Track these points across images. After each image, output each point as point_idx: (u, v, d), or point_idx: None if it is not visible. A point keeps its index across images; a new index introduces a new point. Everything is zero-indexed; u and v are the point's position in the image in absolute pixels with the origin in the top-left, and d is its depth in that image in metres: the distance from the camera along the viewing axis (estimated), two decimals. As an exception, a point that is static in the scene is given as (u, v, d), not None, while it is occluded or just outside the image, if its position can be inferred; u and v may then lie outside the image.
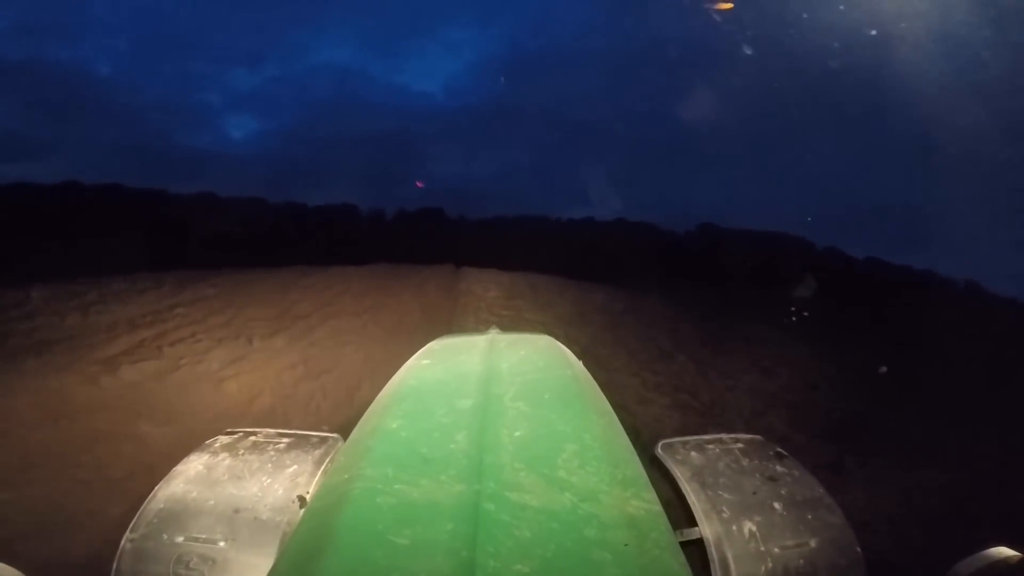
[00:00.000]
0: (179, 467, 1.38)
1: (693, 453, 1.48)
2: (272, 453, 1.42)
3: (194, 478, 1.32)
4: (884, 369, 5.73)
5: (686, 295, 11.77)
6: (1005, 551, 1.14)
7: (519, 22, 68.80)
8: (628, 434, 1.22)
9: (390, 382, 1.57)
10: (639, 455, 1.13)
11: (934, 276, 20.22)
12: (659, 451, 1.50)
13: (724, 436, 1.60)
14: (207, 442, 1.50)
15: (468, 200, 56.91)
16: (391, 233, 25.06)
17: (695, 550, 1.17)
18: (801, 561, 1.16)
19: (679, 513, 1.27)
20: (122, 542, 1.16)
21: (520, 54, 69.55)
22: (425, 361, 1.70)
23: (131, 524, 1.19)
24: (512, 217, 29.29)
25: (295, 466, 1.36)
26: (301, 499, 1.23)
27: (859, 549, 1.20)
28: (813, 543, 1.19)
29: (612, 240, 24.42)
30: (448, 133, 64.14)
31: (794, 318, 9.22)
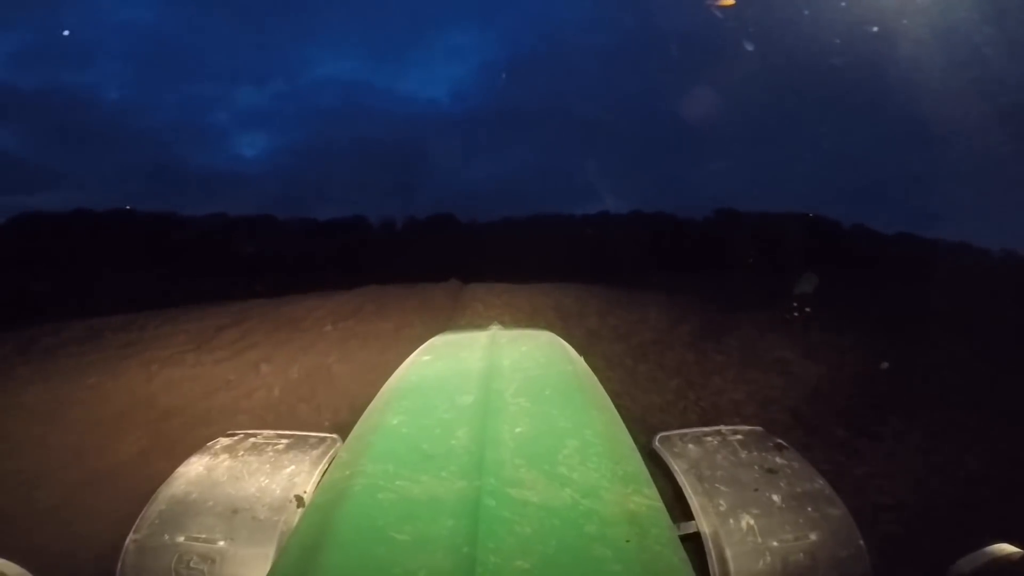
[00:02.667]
0: (180, 469, 1.38)
1: (691, 445, 1.44)
2: (271, 454, 1.41)
3: (195, 479, 1.33)
4: (885, 365, 5.12)
5: (758, 294, 8.71)
6: (1007, 548, 1.10)
7: (520, 22, 65.46)
8: (628, 430, 1.21)
9: (391, 378, 1.54)
10: (639, 450, 1.12)
11: (969, 248, 19.37)
12: (656, 444, 1.45)
13: (723, 428, 1.53)
14: (208, 444, 1.49)
15: (480, 203, 54.57)
16: (397, 244, 22.44)
17: (692, 545, 1.14)
18: (801, 555, 1.12)
19: (676, 507, 1.24)
20: (126, 542, 1.17)
21: (523, 54, 66.51)
22: (426, 357, 1.68)
23: (134, 524, 1.20)
24: (525, 217, 26.89)
25: (293, 466, 1.35)
26: (298, 499, 1.24)
27: (861, 542, 1.16)
28: (813, 536, 1.16)
29: (631, 234, 22.02)
30: (457, 138, 61.11)
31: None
